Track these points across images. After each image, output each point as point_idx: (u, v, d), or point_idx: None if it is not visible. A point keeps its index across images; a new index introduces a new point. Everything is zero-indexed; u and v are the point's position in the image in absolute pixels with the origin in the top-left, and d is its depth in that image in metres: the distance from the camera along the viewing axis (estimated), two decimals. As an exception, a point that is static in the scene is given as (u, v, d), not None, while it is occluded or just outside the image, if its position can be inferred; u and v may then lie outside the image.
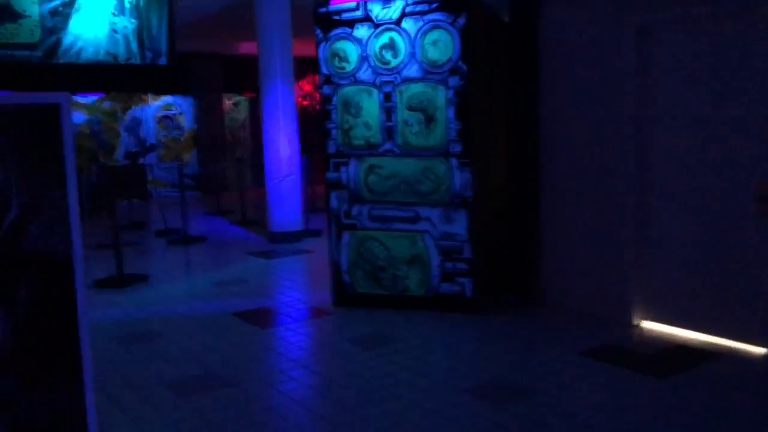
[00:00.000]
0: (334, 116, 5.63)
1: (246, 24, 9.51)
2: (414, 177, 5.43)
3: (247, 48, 14.39)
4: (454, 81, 5.25)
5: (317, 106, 15.00)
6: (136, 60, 7.48)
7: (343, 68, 5.57)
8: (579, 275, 5.38)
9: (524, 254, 5.78)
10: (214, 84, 15.97)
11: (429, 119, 5.36)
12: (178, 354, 4.70)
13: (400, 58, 5.40)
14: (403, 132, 5.44)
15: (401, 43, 5.39)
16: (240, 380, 4.18)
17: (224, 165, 15.99)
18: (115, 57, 7.32)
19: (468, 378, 4.11)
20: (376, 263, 5.60)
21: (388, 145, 5.48)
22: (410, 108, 5.41)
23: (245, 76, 15.84)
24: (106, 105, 14.81)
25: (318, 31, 5.63)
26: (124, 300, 6.30)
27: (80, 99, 14.42)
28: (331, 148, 5.65)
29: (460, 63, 5.22)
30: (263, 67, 8.96)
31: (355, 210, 5.61)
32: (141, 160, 15.09)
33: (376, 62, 5.47)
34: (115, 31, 7.26)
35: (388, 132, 5.48)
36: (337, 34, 5.57)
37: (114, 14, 7.27)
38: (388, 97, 5.46)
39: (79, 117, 14.41)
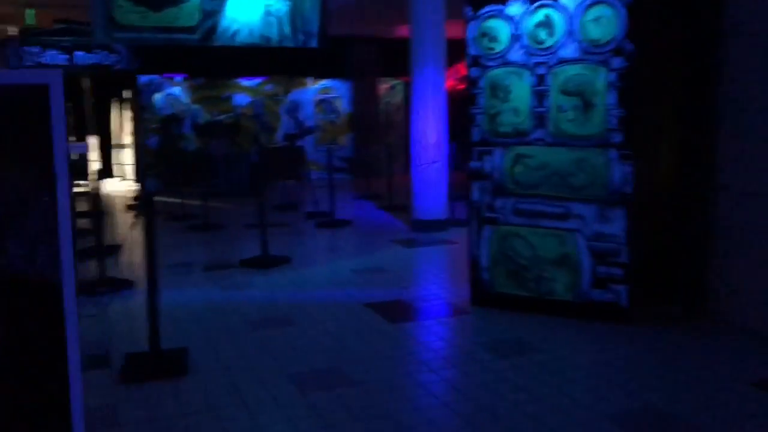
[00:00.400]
0: (480, 101, 5.22)
1: (402, 6, 9.29)
2: (566, 169, 4.90)
3: (403, 31, 14.21)
4: (617, 62, 4.64)
5: (472, 91, 14.56)
6: (289, 43, 7.50)
7: (492, 49, 5.13)
8: (759, 291, 4.58)
9: (691, 262, 5.05)
10: (370, 68, 16.00)
11: (586, 105, 4.79)
12: (306, 345, 4.58)
13: (556, 36, 4.87)
14: (556, 119, 4.92)
15: (558, 21, 4.85)
16: (364, 379, 3.95)
17: (377, 149, 16.03)
18: (268, 40, 7.38)
19: (614, 402, 3.59)
20: (519, 262, 5.15)
21: (538, 133, 4.99)
22: (565, 92, 4.87)
23: (401, 59, 15.74)
24: (269, 88, 15.34)
25: (468, 9, 5.23)
26: (264, 282, 6.35)
27: (244, 82, 15.05)
28: (476, 136, 5.25)
29: (625, 42, 4.60)
30: (414, 49, 8.69)
31: (498, 203, 5.19)
32: (298, 143, 15.50)
33: (530, 42, 4.98)
34: (269, 13, 7.31)
35: (539, 118, 4.98)
36: (488, 12, 5.13)
37: (268, -3, 7.32)
38: (540, 79, 4.96)
39: (242, 99, 15.05)
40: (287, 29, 7.43)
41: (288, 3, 7.41)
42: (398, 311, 5.33)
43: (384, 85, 16.59)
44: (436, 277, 6.49)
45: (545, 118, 4.95)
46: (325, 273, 6.66)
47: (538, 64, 4.96)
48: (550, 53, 4.90)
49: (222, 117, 14.72)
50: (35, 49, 12.44)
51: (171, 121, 14.16)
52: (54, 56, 12.63)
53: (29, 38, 12.43)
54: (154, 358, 4.10)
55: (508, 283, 5.22)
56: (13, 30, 12.39)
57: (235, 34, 7.22)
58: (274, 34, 7.39)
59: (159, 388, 3.86)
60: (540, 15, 4.92)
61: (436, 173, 8.68)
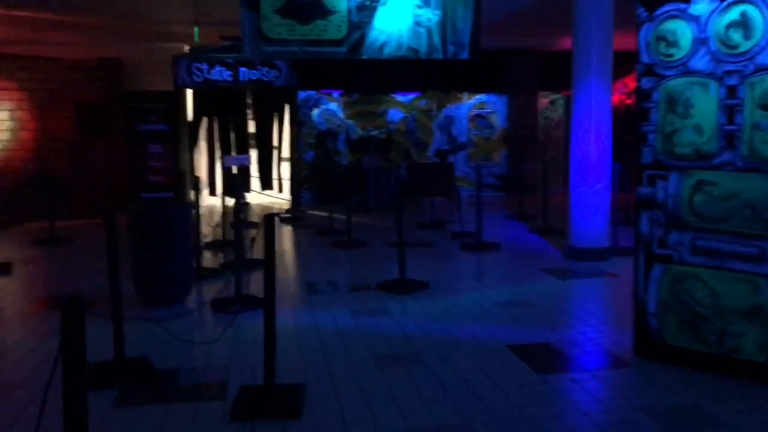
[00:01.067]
0: (653, 116, 4.43)
1: (564, 17, 8.53)
2: (762, 200, 3.99)
3: (565, 43, 13.33)
4: (839, 68, 3.68)
5: (642, 106, 13.32)
6: (438, 54, 7.05)
7: (671, 55, 4.33)
8: None
9: None
10: (528, 82, 15.22)
11: (793, 122, 3.86)
12: (435, 391, 4.05)
13: (755, 39, 3.99)
14: (751, 139, 4.02)
15: (758, 19, 3.97)
16: (497, 443, 3.35)
17: (533, 166, 15.19)
18: (416, 52, 6.99)
19: None
20: (696, 310, 4.28)
21: (726, 156, 4.12)
22: (764, 107, 3.97)
23: (562, 73, 14.85)
24: (423, 103, 15.06)
25: (640, 10, 4.48)
26: (398, 309, 5.91)
27: (399, 97, 14.88)
28: (647, 157, 4.46)
29: None
30: (577, 61, 7.91)
31: (672, 238, 4.36)
32: (450, 159, 15.07)
33: (719, 46, 4.13)
34: (418, 24, 6.92)
35: (728, 138, 4.11)
36: (667, 12, 4.35)
37: (419, 6, 6.94)
38: (731, 91, 4.09)
39: (396, 114, 14.89)
40: (437, 40, 7.00)
41: (439, 13, 6.98)
42: (546, 358, 4.65)
43: (543, 100, 15.73)
44: (593, 317, 5.69)
45: (736, 138, 4.08)
46: (465, 304, 6.10)
47: (728, 72, 4.10)
48: (746, 59, 4.03)
49: (375, 132, 14.65)
50: (203, 66, 13.06)
51: (326, 136, 14.29)
52: (220, 72, 13.18)
53: (198, 55, 13.08)
54: (268, 393, 3.77)
55: (681, 334, 4.36)
56: (186, 48, 13.10)
57: (383, 46, 6.91)
58: (423, 45, 6.99)
59: (268, 430, 3.52)
60: (734, 13, 4.07)
61: (597, 196, 7.82)
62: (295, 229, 11.09)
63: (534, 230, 10.13)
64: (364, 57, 6.95)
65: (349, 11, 6.78)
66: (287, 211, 12.83)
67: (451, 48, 7.03)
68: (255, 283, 6.51)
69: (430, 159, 14.89)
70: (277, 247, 8.53)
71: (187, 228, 6.55)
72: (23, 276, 7.70)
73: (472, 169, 15.43)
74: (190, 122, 14.30)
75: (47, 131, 12.91)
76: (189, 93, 14.35)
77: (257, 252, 7.27)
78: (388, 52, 6.94)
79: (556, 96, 15.84)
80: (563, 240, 8.50)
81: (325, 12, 6.75)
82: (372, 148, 13.75)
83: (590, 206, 7.83)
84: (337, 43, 6.81)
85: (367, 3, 6.82)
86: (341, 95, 14.55)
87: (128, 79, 13.90)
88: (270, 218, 3.85)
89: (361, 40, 6.86)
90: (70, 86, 13.34)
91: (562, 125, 15.94)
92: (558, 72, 15.05)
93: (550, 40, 13.75)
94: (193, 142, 14.37)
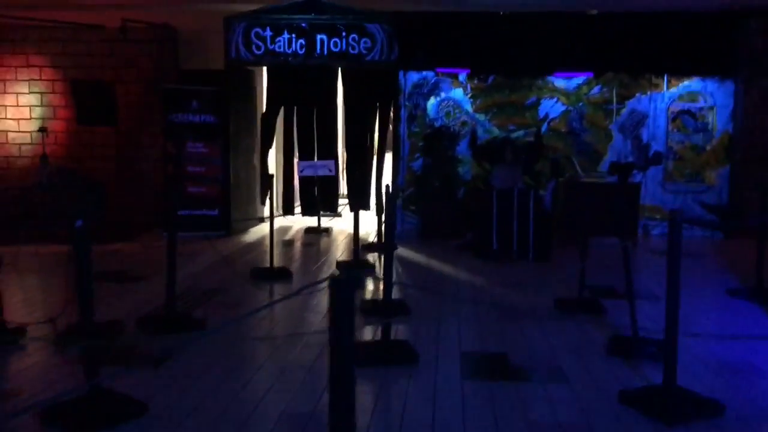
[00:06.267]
0: None
1: None
2: None
3: None
4: None
5: None
6: None
7: None
8: None
9: None
10: (775, 59, 9.53)
11: None
12: None
13: None
14: None
15: None
16: None
17: (775, 194, 9.49)
18: None
19: None
20: None
21: None
22: None
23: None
24: (595, 91, 10.00)
25: None
26: None
27: (558, 81, 9.97)
28: None
29: None
30: None
31: None
32: (636, 178, 9.83)
33: None
34: None
35: None
36: None
37: None
38: None
39: (553, 107, 9.99)
40: None
41: None
42: None
43: (798, 89, 9.89)
44: None
45: None
46: None
47: None
48: None
49: (520, 133, 9.89)
50: (266, 32, 9.21)
51: (439, 138, 9.79)
52: (288, 41, 9.26)
53: (258, 17, 9.26)
54: None
55: None
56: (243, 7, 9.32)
57: None
58: None
59: None
60: None
61: None
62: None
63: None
64: None
65: None
66: (370, 246, 8.56)
67: None
68: None
69: (602, 176, 9.79)
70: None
71: None
72: None
73: (670, 195, 10.06)
74: (263, 114, 10.56)
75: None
76: (264, 73, 10.61)
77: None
78: None
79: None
80: None
81: None
82: (509, 155, 8.99)
83: None
84: None
85: None
86: (469, 77, 9.96)
87: (184, 54, 10.46)
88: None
89: None
90: (114, 62, 10.19)
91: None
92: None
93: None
94: (268, 140, 10.61)
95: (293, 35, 9.08)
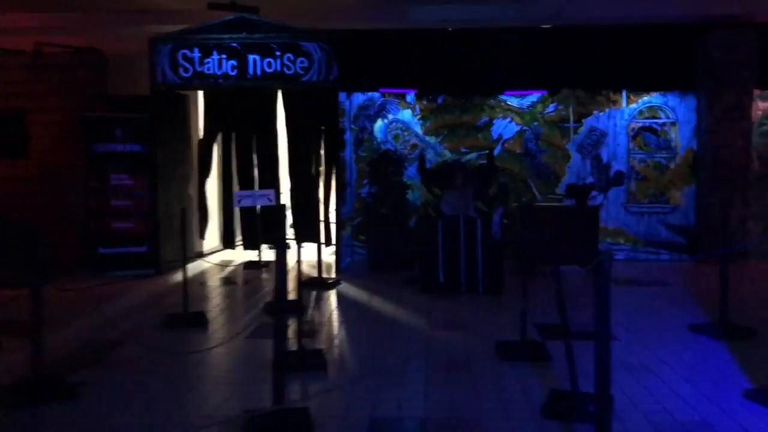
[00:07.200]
0: None
1: None
2: None
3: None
4: None
5: None
6: None
7: None
8: None
9: None
10: (738, 73, 9.02)
11: None
12: None
13: None
14: None
15: None
16: None
17: (742, 213, 8.99)
18: None
19: None
20: None
21: None
22: None
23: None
24: (551, 110, 9.44)
25: None
26: None
27: (511, 100, 9.40)
28: None
29: None
30: None
31: None
32: (595, 200, 9.29)
33: None
34: None
35: None
36: None
37: None
38: None
39: (506, 127, 9.41)
40: None
41: None
42: None
43: (761, 104, 9.41)
44: None
45: None
46: None
47: None
48: None
49: (471, 156, 9.29)
50: (194, 54, 8.56)
51: (385, 163, 9.15)
52: (218, 63, 8.60)
53: (185, 37, 8.60)
54: None
55: None
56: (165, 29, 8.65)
57: None
58: None
59: None
60: None
61: None
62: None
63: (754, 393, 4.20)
64: None
65: None
66: (312, 281, 7.85)
67: None
68: None
69: (561, 199, 9.22)
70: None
71: None
72: None
73: (633, 217, 9.50)
74: (200, 141, 9.87)
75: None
76: (200, 97, 9.94)
77: None
78: None
79: (786, 96, 9.46)
80: None
81: None
82: (459, 180, 8.35)
83: None
84: None
85: None
86: (417, 97, 9.37)
87: (115, 80, 9.77)
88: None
89: None
90: (33, 88, 9.46)
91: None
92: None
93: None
94: (205, 169, 9.91)
95: (223, 56, 8.43)
